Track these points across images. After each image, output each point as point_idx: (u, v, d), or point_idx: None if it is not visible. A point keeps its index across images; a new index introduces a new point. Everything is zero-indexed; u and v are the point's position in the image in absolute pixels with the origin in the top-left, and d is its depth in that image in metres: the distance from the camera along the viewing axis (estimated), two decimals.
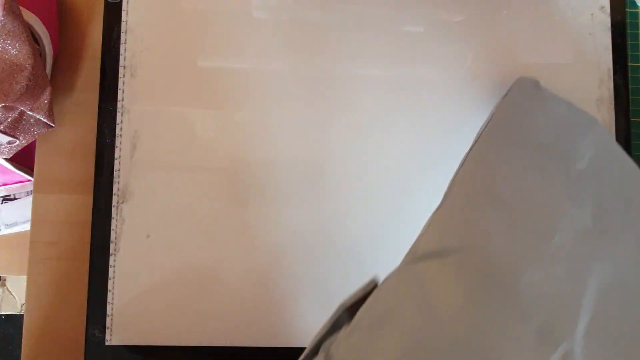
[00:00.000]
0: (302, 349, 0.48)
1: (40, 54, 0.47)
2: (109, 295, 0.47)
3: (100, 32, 0.51)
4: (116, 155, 0.49)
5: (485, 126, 0.38)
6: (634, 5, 0.53)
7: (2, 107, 0.43)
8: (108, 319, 0.48)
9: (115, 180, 0.49)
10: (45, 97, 0.46)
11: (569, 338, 0.23)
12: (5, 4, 0.41)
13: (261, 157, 0.49)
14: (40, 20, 0.48)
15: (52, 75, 0.50)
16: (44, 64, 0.47)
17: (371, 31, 0.51)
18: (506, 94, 0.42)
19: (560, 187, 0.30)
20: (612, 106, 0.51)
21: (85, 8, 0.52)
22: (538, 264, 0.25)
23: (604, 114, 0.51)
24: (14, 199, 0.69)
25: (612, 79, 0.52)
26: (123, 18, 0.50)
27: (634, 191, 0.31)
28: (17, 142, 0.47)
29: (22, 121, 0.46)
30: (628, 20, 0.53)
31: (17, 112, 0.45)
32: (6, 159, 0.54)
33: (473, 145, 0.36)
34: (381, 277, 0.31)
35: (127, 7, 0.51)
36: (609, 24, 0.53)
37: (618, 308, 0.25)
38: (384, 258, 0.48)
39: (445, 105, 0.51)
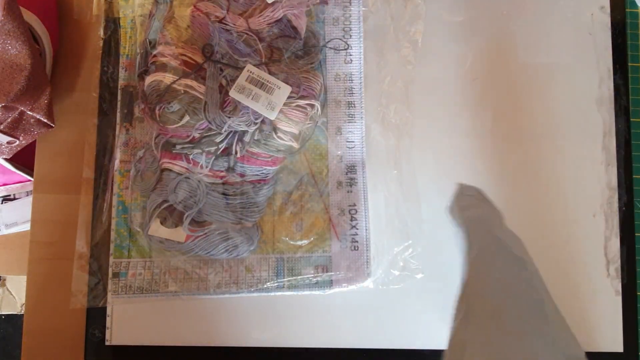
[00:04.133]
0: (302, 349, 0.48)
1: (40, 54, 0.47)
2: (109, 295, 0.47)
3: (100, 32, 0.51)
4: (116, 155, 0.49)
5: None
6: (634, 5, 0.53)
7: (2, 107, 0.43)
8: (108, 319, 0.48)
9: (115, 180, 0.49)
10: (45, 97, 0.46)
11: None
12: (5, 4, 0.41)
13: None
14: (40, 20, 0.48)
15: (52, 75, 0.50)
16: (44, 64, 0.47)
17: (371, 31, 0.51)
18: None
19: None
20: (612, 106, 0.51)
21: (86, 8, 0.52)
22: None
23: (604, 114, 0.51)
24: (14, 199, 0.69)
25: (612, 79, 0.52)
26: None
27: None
28: (17, 142, 0.47)
29: (22, 121, 0.46)
30: (628, 20, 0.53)
31: (17, 112, 0.45)
32: (6, 159, 0.54)
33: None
34: None
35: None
36: (609, 24, 0.53)
37: None
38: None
39: (446, 105, 0.51)
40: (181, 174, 0.46)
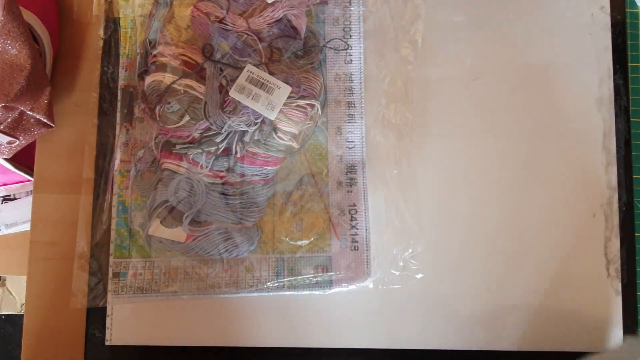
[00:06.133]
0: (302, 349, 0.48)
1: (40, 54, 0.47)
2: (109, 295, 0.47)
3: (100, 32, 0.51)
4: (116, 155, 0.49)
5: None
6: (634, 5, 0.53)
7: (2, 107, 0.43)
8: (108, 319, 0.48)
9: (115, 180, 0.49)
10: (45, 97, 0.46)
11: None
12: (5, 4, 0.41)
13: None
14: (40, 20, 0.48)
15: (52, 75, 0.50)
16: (44, 64, 0.47)
17: (371, 32, 0.51)
18: None
19: None
20: (612, 106, 0.51)
21: (86, 8, 0.52)
22: None
23: (604, 114, 0.51)
24: (14, 199, 0.69)
25: (612, 79, 0.52)
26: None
27: None
28: (17, 142, 0.47)
29: (22, 121, 0.46)
30: (628, 20, 0.53)
31: (17, 112, 0.45)
32: (6, 159, 0.54)
33: None
34: None
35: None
36: (609, 24, 0.53)
37: None
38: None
39: (445, 105, 0.51)
40: (181, 174, 0.46)
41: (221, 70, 0.45)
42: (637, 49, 0.52)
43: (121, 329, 0.48)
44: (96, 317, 0.48)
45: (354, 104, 0.50)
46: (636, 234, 0.50)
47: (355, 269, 0.48)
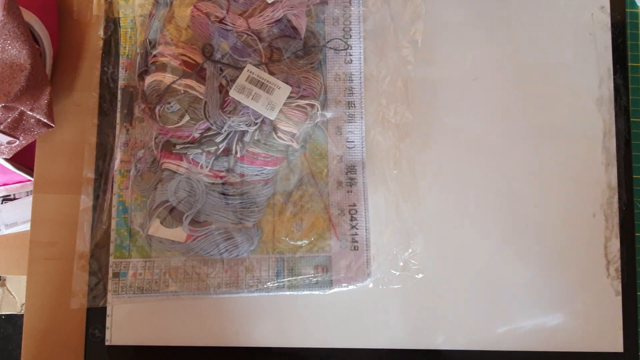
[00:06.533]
0: (302, 349, 0.48)
1: (40, 54, 0.47)
2: (109, 295, 0.47)
3: (100, 32, 0.51)
4: (116, 155, 0.49)
5: None
6: (634, 5, 0.53)
7: (2, 107, 0.43)
8: (108, 319, 0.48)
9: (115, 180, 0.49)
10: (45, 97, 0.46)
11: None
12: (5, 4, 0.41)
13: None
14: (40, 20, 0.48)
15: (52, 75, 0.50)
16: (44, 64, 0.48)
17: (371, 32, 0.51)
18: None
19: None
20: (612, 106, 0.51)
21: (86, 8, 0.52)
22: None
23: (604, 114, 0.51)
24: (14, 199, 0.69)
25: (612, 79, 0.52)
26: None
27: None
28: (17, 142, 0.47)
29: (22, 121, 0.46)
30: (628, 20, 0.53)
31: (17, 112, 0.45)
32: (6, 159, 0.54)
33: None
34: None
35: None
36: (609, 24, 0.53)
37: None
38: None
39: (445, 105, 0.51)
40: (181, 174, 0.46)
41: (221, 70, 0.45)
42: (637, 49, 0.52)
43: (121, 329, 0.48)
44: (96, 317, 0.48)
45: (354, 104, 0.50)
46: (636, 234, 0.50)
47: (355, 269, 0.48)
